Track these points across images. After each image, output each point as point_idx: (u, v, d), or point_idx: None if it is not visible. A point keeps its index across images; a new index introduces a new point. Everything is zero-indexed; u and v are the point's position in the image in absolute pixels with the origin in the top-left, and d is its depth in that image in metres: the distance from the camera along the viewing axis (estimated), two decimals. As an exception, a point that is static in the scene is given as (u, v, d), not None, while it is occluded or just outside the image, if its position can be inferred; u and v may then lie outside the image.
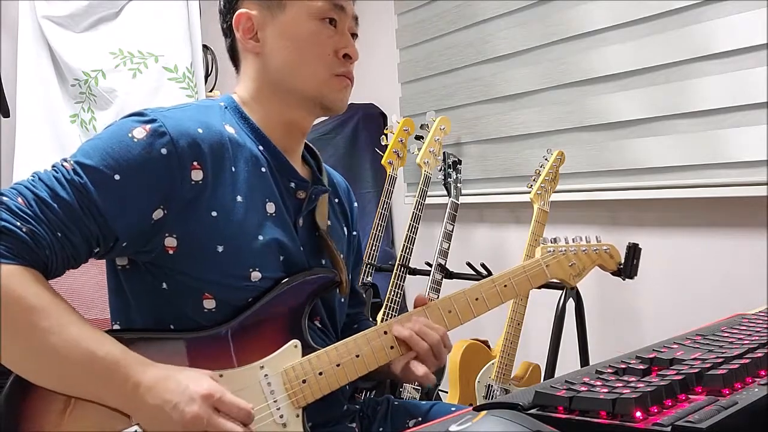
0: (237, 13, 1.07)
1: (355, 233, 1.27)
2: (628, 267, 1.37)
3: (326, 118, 3.07)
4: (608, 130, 2.17)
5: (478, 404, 0.65)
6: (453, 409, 1.19)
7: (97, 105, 2.72)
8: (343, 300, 1.18)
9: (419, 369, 1.06)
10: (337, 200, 1.23)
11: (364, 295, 1.33)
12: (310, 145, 1.21)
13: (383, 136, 2.61)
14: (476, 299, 1.13)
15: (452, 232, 2.24)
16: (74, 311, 0.89)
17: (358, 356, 1.03)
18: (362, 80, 3.59)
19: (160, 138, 0.93)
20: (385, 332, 1.06)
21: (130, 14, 2.77)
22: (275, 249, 1.02)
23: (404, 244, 2.24)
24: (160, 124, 0.94)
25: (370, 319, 1.32)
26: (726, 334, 0.86)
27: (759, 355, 0.72)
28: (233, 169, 1.00)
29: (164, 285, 0.98)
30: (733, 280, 1.88)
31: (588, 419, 0.59)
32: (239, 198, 1.00)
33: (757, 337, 0.82)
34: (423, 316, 1.09)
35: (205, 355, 0.96)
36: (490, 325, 2.38)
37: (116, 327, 1.04)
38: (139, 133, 0.93)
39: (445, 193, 2.37)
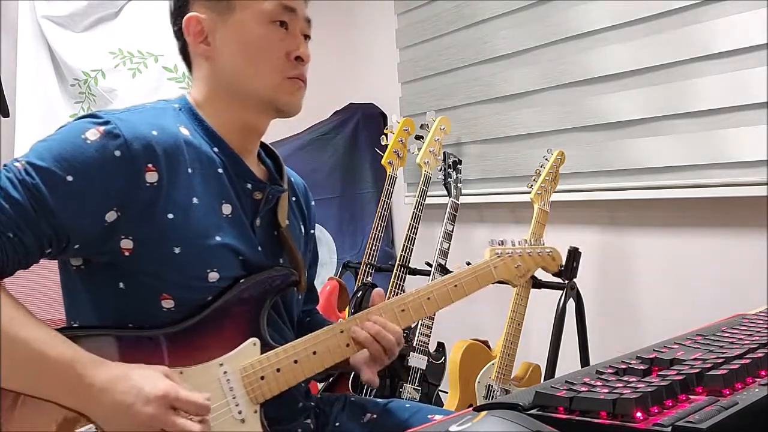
0: (186, 16, 1.07)
1: (312, 232, 1.29)
2: (568, 269, 1.43)
3: (326, 117, 3.10)
4: (608, 130, 2.17)
5: (478, 404, 0.65)
6: (407, 405, 1.22)
7: (97, 105, 2.73)
8: (300, 297, 1.20)
9: (364, 374, 1.10)
10: (294, 199, 1.24)
11: (318, 292, 1.36)
12: (269, 146, 1.22)
13: (383, 136, 2.61)
14: (428, 299, 1.17)
15: (452, 232, 2.24)
16: (26, 311, 0.90)
17: (315, 353, 1.06)
18: (362, 80, 3.61)
19: (114, 140, 0.93)
20: (341, 331, 1.09)
21: (130, 14, 2.78)
22: (232, 250, 1.03)
23: (404, 244, 2.24)
24: (114, 126, 0.94)
25: (320, 313, 1.36)
26: (726, 335, 0.86)
27: (759, 355, 0.72)
28: (189, 171, 1.00)
29: (121, 285, 0.98)
30: (733, 280, 1.88)
31: (588, 419, 0.59)
32: (195, 200, 1.00)
33: (757, 337, 0.82)
34: (379, 315, 1.11)
35: (165, 352, 0.97)
36: (490, 326, 2.38)
37: (74, 325, 1.04)
38: (93, 134, 0.93)
39: (445, 193, 2.37)
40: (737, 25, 1.81)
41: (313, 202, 1.31)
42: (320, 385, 2.10)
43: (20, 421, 0.90)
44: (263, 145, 1.20)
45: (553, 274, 1.45)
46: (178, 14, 1.10)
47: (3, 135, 2.54)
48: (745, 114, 1.81)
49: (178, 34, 1.11)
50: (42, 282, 1.30)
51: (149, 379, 0.88)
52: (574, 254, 1.39)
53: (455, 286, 1.19)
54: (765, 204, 1.78)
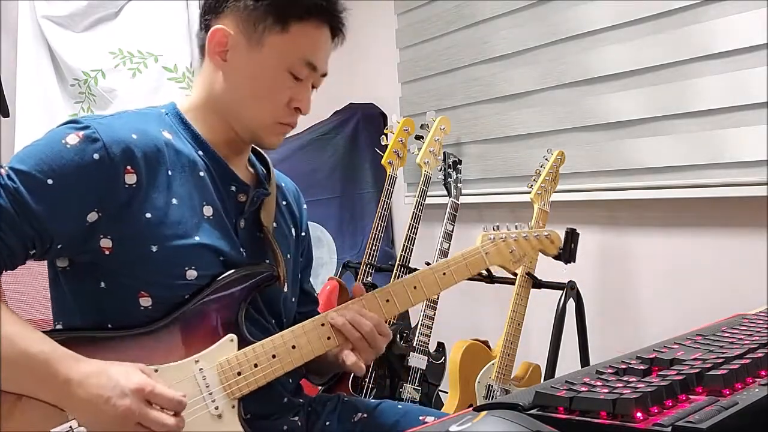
0: (215, 28, 1.08)
1: (303, 234, 1.30)
2: (567, 252, 1.38)
3: (326, 117, 3.09)
4: (608, 130, 2.17)
5: (478, 404, 0.65)
6: (399, 406, 1.22)
7: (97, 105, 2.73)
8: (293, 300, 1.22)
9: (349, 358, 1.09)
10: (285, 203, 1.26)
11: (316, 295, 1.36)
12: (261, 151, 1.24)
13: (383, 136, 2.61)
14: (414, 288, 1.15)
15: (452, 232, 2.24)
16: (9, 310, 0.92)
17: (294, 347, 1.06)
18: (362, 80, 3.60)
19: (93, 144, 0.97)
20: (322, 324, 1.09)
21: (130, 14, 2.78)
22: (212, 250, 1.05)
23: (404, 244, 2.24)
24: (93, 130, 0.98)
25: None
26: (726, 335, 0.86)
27: (759, 355, 0.72)
28: (169, 173, 1.04)
29: (102, 284, 1.01)
30: (733, 280, 1.88)
31: (588, 419, 0.59)
32: (174, 201, 1.03)
33: (757, 337, 0.82)
34: (359, 306, 1.11)
35: (143, 352, 0.99)
36: (490, 326, 2.38)
37: (59, 327, 1.06)
38: (72, 139, 0.97)
39: (445, 193, 2.37)
40: (737, 25, 1.80)
41: (305, 206, 1.33)
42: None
43: (20, 420, 0.91)
44: (254, 150, 1.22)
45: (554, 257, 1.39)
46: (213, 10, 1.10)
47: (3, 135, 2.54)
48: (745, 114, 1.81)
49: (206, 27, 1.11)
50: (32, 283, 1.32)
51: (125, 374, 0.91)
52: (571, 235, 1.34)
53: (443, 274, 1.17)
54: (765, 204, 1.78)
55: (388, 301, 1.13)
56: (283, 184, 1.28)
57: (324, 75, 1.14)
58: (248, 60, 1.08)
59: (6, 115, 1.86)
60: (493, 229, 1.26)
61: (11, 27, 2.69)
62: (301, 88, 1.10)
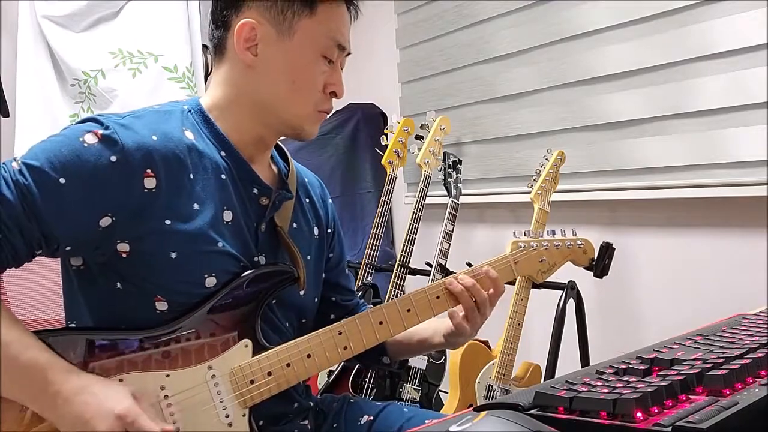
0: (242, 22, 1.04)
1: (330, 231, 1.26)
2: (599, 265, 1.35)
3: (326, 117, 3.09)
4: (608, 130, 2.17)
5: (478, 404, 0.65)
6: (405, 409, 1.21)
7: (97, 105, 2.72)
8: (316, 300, 1.19)
9: (456, 319, 1.16)
10: (308, 200, 1.22)
11: (352, 288, 1.33)
12: (282, 146, 1.21)
13: (383, 136, 2.61)
14: (437, 297, 1.15)
15: (452, 232, 2.24)
16: (8, 314, 0.90)
17: (309, 356, 1.04)
18: (362, 80, 3.60)
19: (112, 146, 0.93)
20: (340, 332, 1.07)
21: (130, 14, 2.77)
22: (232, 256, 1.02)
23: (404, 244, 2.24)
24: (113, 131, 0.94)
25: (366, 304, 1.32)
26: (727, 334, 0.86)
27: (760, 355, 0.72)
28: (191, 176, 1.00)
29: (118, 285, 0.98)
30: (733, 280, 1.88)
31: (588, 419, 0.59)
32: (196, 206, 0.99)
33: (757, 337, 0.82)
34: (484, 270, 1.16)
35: (156, 354, 0.97)
36: (491, 326, 2.38)
37: (72, 325, 1.04)
38: (91, 138, 0.93)
39: (445, 193, 2.37)
40: (737, 25, 1.81)
41: (330, 200, 1.29)
42: (320, 386, 2.10)
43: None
44: (277, 146, 1.19)
45: (585, 268, 1.35)
46: (230, 6, 1.07)
47: (3, 135, 2.54)
48: (745, 114, 1.81)
49: (222, 23, 1.08)
50: (41, 281, 1.30)
51: (112, 396, 0.88)
52: (607, 250, 1.30)
53: None
54: (765, 204, 1.78)
55: (409, 311, 1.11)
56: (306, 180, 1.24)
57: (348, 54, 1.12)
58: (282, 51, 1.04)
59: (6, 115, 1.86)
60: (524, 235, 1.20)
61: (11, 27, 2.69)
62: (333, 72, 1.08)
